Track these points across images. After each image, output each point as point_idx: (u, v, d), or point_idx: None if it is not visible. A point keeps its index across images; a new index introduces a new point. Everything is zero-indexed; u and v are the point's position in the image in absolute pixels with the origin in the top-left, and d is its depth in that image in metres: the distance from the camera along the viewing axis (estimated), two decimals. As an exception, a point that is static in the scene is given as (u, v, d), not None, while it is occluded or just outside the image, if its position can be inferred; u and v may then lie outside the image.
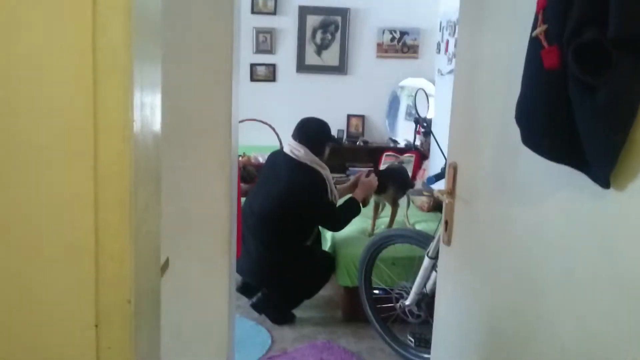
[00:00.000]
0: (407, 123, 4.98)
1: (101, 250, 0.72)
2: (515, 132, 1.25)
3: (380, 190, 3.38)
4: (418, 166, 4.66)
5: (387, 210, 3.58)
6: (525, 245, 1.30)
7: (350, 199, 3.22)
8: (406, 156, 4.73)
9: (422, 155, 4.68)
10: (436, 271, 2.60)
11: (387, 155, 4.86)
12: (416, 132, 2.64)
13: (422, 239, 2.67)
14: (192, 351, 1.95)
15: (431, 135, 3.36)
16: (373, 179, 3.33)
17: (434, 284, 2.66)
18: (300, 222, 3.16)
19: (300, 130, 3.22)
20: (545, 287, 1.21)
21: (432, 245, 2.54)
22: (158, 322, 0.98)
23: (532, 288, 1.26)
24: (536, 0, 1.13)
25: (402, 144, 4.94)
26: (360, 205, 3.20)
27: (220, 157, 1.87)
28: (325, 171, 3.19)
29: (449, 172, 1.68)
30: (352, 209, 3.17)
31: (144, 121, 0.79)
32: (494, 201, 1.47)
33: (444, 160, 2.38)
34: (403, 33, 4.96)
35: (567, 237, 1.14)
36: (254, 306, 3.22)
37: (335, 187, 3.28)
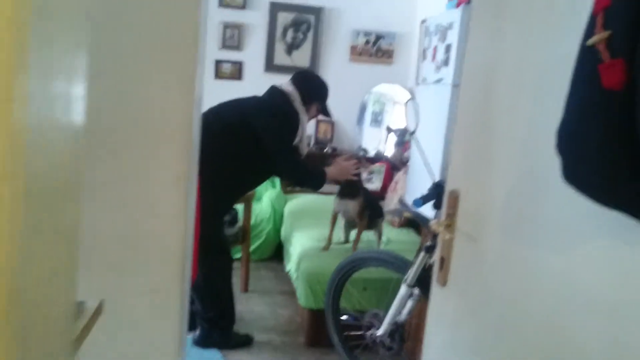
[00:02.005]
0: (373, 130, 4.75)
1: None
2: (543, 159, 1.01)
3: (348, 193, 3.10)
4: (389, 177, 4.43)
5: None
6: (554, 298, 1.06)
7: (320, 168, 2.95)
8: (376, 166, 4.50)
9: (393, 166, 4.46)
10: (413, 299, 2.36)
11: (356, 164, 4.61)
12: (402, 146, 2.39)
13: (400, 264, 2.42)
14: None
15: (415, 149, 3.13)
16: (350, 164, 3.05)
17: (410, 313, 2.42)
18: (252, 150, 2.78)
19: (299, 74, 3.03)
20: (582, 355, 0.97)
21: (411, 272, 2.29)
22: None
23: (563, 352, 1.02)
24: (593, -3, 0.88)
25: (372, 153, 4.70)
26: (325, 180, 2.90)
27: (176, 167, 1.58)
28: (304, 117, 2.89)
29: (449, 200, 1.43)
30: (315, 175, 2.89)
31: (46, 115, 0.53)
32: (509, 239, 1.22)
33: (431, 180, 2.14)
34: (378, 37, 4.72)
35: (616, 297, 0.90)
36: (197, 343, 2.90)
37: None
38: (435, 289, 1.51)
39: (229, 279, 2.95)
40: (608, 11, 0.85)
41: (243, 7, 4.55)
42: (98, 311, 1.10)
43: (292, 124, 2.82)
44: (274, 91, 2.91)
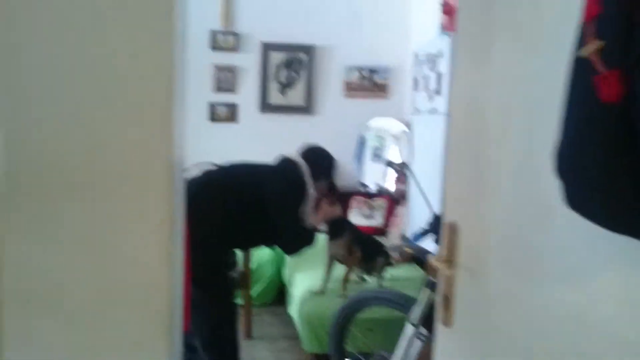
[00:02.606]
0: (374, 165, 4.69)
1: None
2: (542, 185, 0.94)
3: (334, 233, 3.00)
4: (391, 213, 4.34)
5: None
6: (568, 336, 0.96)
7: (309, 228, 2.83)
8: (377, 201, 4.41)
9: (394, 201, 4.37)
10: (421, 340, 2.24)
11: (357, 200, 4.53)
12: (397, 178, 2.31)
13: (403, 303, 2.31)
14: None
15: (411, 182, 3.04)
16: (335, 209, 3.00)
17: (418, 354, 2.29)
18: (258, 219, 2.70)
19: (309, 150, 2.95)
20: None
21: (416, 311, 2.18)
22: None
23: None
24: (583, 5, 0.81)
25: (372, 189, 4.62)
26: (315, 236, 2.81)
27: (157, 213, 1.49)
28: (311, 191, 2.79)
29: (447, 233, 1.34)
30: (310, 237, 2.78)
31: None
32: (513, 273, 1.12)
33: (430, 213, 2.05)
34: (372, 71, 4.70)
35: (637, 332, 0.80)
36: None
37: None
38: (440, 330, 1.40)
39: (237, 327, 2.85)
40: (599, 20, 0.78)
41: (235, 49, 4.55)
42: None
43: (303, 196, 2.77)
44: (286, 161, 2.86)
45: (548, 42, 1.00)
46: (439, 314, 1.39)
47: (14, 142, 1.40)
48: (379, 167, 4.66)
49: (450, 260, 1.32)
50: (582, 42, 0.80)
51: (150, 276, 1.51)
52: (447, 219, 1.35)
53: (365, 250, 3.01)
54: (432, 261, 1.34)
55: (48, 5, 1.39)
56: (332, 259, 3.05)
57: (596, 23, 0.78)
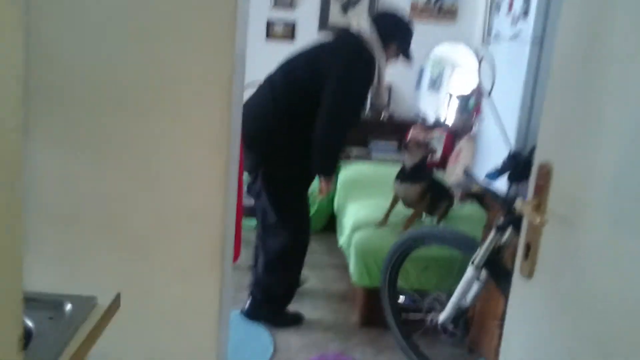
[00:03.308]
0: (430, 94, 4.44)
1: None
2: None
3: (410, 177, 2.82)
4: (450, 146, 4.13)
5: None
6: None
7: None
8: (435, 133, 4.20)
9: (454, 133, 4.15)
10: (480, 282, 2.11)
11: (413, 131, 4.32)
12: (467, 112, 2.11)
13: (464, 244, 2.17)
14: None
15: (484, 115, 2.81)
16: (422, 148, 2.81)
17: (475, 298, 2.17)
18: (315, 94, 2.42)
19: (380, 13, 2.78)
20: None
21: (480, 252, 2.04)
22: None
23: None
24: None
25: (431, 119, 4.39)
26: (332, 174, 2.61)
27: (214, 135, 1.38)
28: (382, 61, 2.53)
29: (539, 175, 1.16)
30: (333, 163, 2.59)
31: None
32: (620, 228, 0.96)
33: (507, 150, 1.87)
34: (440, -7, 4.36)
35: None
36: (247, 314, 2.75)
37: None
38: (517, 280, 1.26)
39: (304, 256, 2.80)
40: None
41: (296, -38, 4.28)
42: (113, 307, 0.92)
43: (368, 76, 2.48)
44: (345, 32, 2.57)
45: None
46: (518, 262, 1.25)
47: (65, 47, 1.29)
48: (436, 97, 4.42)
49: (539, 205, 1.15)
50: None
51: (204, 205, 1.42)
52: (540, 158, 1.17)
53: (433, 196, 2.85)
54: (518, 205, 1.18)
55: None
56: (400, 198, 2.91)
57: None
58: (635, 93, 0.94)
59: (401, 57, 2.65)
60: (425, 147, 2.84)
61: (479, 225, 2.68)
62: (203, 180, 1.41)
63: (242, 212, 1.95)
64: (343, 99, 2.40)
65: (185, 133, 1.38)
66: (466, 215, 3.13)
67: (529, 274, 1.20)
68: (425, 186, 2.80)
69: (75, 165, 1.37)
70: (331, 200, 3.90)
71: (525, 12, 2.21)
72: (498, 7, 2.61)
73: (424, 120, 4.42)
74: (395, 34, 2.59)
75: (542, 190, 1.16)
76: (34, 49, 1.25)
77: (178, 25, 1.32)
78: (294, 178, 2.59)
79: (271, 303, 2.73)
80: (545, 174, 1.15)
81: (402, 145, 2.95)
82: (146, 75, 1.32)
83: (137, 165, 1.37)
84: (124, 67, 1.31)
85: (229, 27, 1.32)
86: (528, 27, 2.19)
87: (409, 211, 2.95)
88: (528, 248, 1.20)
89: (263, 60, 3.99)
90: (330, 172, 2.58)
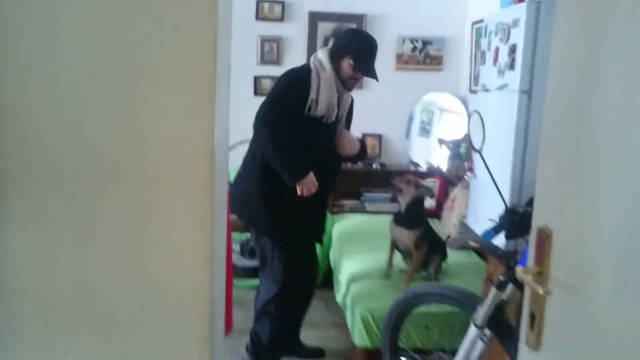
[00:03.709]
0: (421, 140, 4.43)
1: None
2: None
3: (407, 221, 2.76)
4: (443, 194, 4.09)
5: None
6: None
7: (301, 164, 2.46)
8: (429, 181, 4.16)
9: (447, 181, 4.12)
10: (484, 342, 2.03)
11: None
12: (458, 159, 2.07)
13: (465, 301, 2.10)
14: None
15: (477, 165, 2.77)
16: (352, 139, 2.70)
17: (480, 357, 2.08)
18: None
19: (339, 31, 2.93)
20: None
21: (481, 311, 1.96)
22: None
23: None
24: None
25: (423, 167, 4.37)
26: (300, 177, 2.42)
27: (197, 205, 1.32)
28: (324, 74, 2.47)
29: (538, 241, 1.11)
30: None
31: None
32: (629, 298, 0.90)
33: (500, 205, 1.82)
34: (426, 42, 4.41)
35: None
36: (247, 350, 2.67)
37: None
38: (524, 352, 1.19)
39: (293, 309, 2.73)
40: None
41: (281, 19, 4.33)
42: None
43: (295, 82, 2.50)
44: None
45: None
46: (523, 333, 1.18)
47: (42, 124, 1.25)
48: (427, 143, 4.41)
49: (541, 273, 1.09)
50: None
51: (190, 276, 1.35)
52: (538, 222, 1.12)
53: (429, 246, 2.79)
54: (520, 272, 1.12)
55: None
56: (396, 245, 2.85)
57: None
58: (630, 153, 0.89)
59: (359, 73, 2.61)
60: (416, 186, 2.79)
61: (479, 276, 2.61)
62: (188, 253, 1.36)
63: (232, 278, 1.87)
64: (265, 104, 2.51)
65: (167, 204, 1.33)
66: (465, 266, 3.05)
67: (536, 345, 1.13)
68: (421, 233, 2.74)
69: (54, 247, 1.31)
70: (327, 255, 3.83)
71: (511, 65, 2.21)
72: (483, 59, 2.62)
73: (416, 167, 4.40)
74: (347, 48, 2.54)
75: (542, 256, 1.10)
76: (6, 132, 1.21)
77: (157, 93, 1.29)
78: (277, 229, 2.51)
79: (258, 353, 2.63)
80: (545, 239, 1.10)
81: (390, 187, 2.88)
82: (126, 148, 1.28)
83: (118, 241, 1.31)
84: (102, 143, 1.27)
85: (209, 89, 1.29)
86: (515, 78, 2.18)
87: (405, 264, 2.89)
88: (533, 318, 1.13)
89: (252, 116, 4.00)
90: (291, 175, 2.45)
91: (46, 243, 1.29)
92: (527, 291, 1.15)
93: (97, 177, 1.28)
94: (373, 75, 2.62)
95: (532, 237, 1.14)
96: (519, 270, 1.12)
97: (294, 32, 4.38)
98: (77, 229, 1.30)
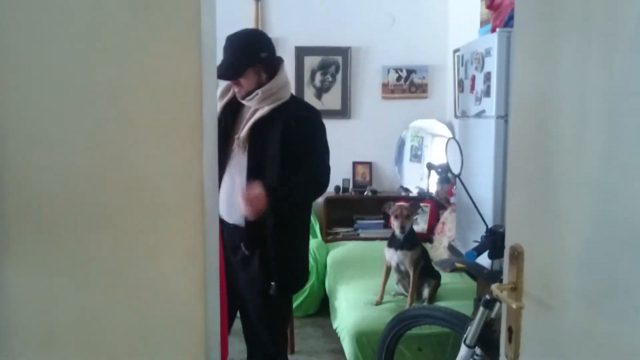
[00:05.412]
0: (412, 166, 4.53)
1: None
2: (630, 202, 0.77)
3: (406, 244, 2.84)
4: (434, 217, 4.16)
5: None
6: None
7: None
8: (421, 206, 4.24)
9: (438, 204, 4.19)
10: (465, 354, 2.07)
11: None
12: (447, 184, 2.15)
13: (455, 321, 2.15)
14: None
15: (460, 189, 2.86)
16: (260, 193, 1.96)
17: (473, 376, 2.12)
18: None
19: None
20: None
21: (470, 330, 2.01)
22: None
23: None
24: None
25: (414, 192, 4.45)
26: None
27: (188, 238, 1.38)
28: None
29: (511, 258, 1.18)
30: None
31: None
32: (593, 309, 0.97)
33: (484, 226, 1.89)
34: (410, 71, 4.54)
35: None
36: None
37: None
38: (504, 365, 1.25)
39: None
40: None
41: (269, 55, 4.45)
42: None
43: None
44: None
45: (630, 36, 0.84)
46: (502, 346, 1.24)
47: (35, 168, 1.32)
48: (419, 168, 4.50)
49: (515, 288, 1.16)
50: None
51: (184, 313, 1.40)
52: (511, 241, 1.20)
53: (424, 269, 2.86)
54: (494, 289, 1.19)
55: (69, 21, 1.30)
56: (393, 268, 2.92)
57: None
58: (584, 178, 0.97)
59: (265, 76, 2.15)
60: (409, 208, 2.88)
61: (470, 296, 2.66)
62: (181, 288, 1.41)
63: (227, 309, 1.93)
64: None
65: (159, 242, 1.38)
66: (458, 288, 3.11)
67: (514, 358, 1.19)
68: (420, 252, 2.83)
69: (50, 286, 1.36)
70: (322, 282, 3.88)
71: (487, 92, 2.31)
72: (462, 86, 2.72)
73: (407, 192, 4.48)
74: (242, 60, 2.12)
75: (515, 272, 1.17)
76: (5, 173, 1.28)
77: (145, 138, 1.35)
78: None
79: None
80: (517, 256, 1.17)
81: (385, 211, 2.95)
82: (117, 191, 1.34)
83: (113, 280, 1.37)
84: (95, 187, 1.33)
85: (196, 132, 1.36)
86: (491, 105, 2.29)
87: (398, 288, 2.94)
88: (510, 331, 1.20)
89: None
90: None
91: (44, 285, 1.34)
92: (504, 306, 1.22)
93: (90, 220, 1.34)
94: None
95: (506, 255, 1.21)
96: (494, 287, 1.19)
97: (282, 67, 4.49)
98: (73, 270, 1.35)
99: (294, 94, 2.29)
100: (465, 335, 2.04)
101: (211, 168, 1.43)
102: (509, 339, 1.20)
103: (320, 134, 2.17)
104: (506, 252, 1.21)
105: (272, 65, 2.19)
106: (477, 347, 2.04)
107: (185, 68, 1.35)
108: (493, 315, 2.00)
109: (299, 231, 2.22)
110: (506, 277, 1.20)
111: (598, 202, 0.95)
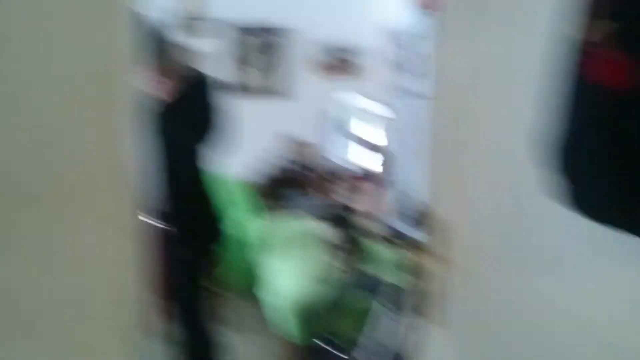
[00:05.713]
0: (341, 141, 4.58)
1: None
2: (529, 176, 0.85)
3: (342, 221, 2.92)
4: (372, 194, 4.24)
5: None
6: (561, 337, 0.90)
7: None
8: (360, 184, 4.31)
9: (376, 182, 4.27)
10: (395, 323, 2.16)
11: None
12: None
13: (379, 287, 2.25)
14: None
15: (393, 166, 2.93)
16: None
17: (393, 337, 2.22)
18: None
19: None
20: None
21: (389, 294, 2.10)
22: None
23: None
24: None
25: (356, 170, 4.49)
26: None
27: (110, 209, 1.37)
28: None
29: (434, 227, 1.25)
30: None
31: None
32: (506, 269, 1.06)
33: (415, 201, 1.97)
34: (345, 51, 4.58)
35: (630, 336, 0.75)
36: None
37: None
38: (432, 330, 1.32)
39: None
40: (616, 2, 0.70)
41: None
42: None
43: None
44: None
45: (538, 22, 0.91)
46: (430, 313, 1.32)
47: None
48: (347, 143, 4.55)
49: (439, 257, 1.24)
50: (588, 23, 0.72)
51: (112, 282, 1.40)
52: (432, 210, 1.27)
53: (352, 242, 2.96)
54: (422, 258, 1.26)
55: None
56: (333, 245, 2.99)
57: (612, 5, 0.70)
58: (495, 158, 1.04)
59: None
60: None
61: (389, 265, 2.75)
62: (109, 260, 1.40)
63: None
64: None
65: (83, 214, 1.36)
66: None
67: (442, 323, 1.26)
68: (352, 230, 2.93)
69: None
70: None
71: (423, 73, 2.37)
72: (401, 68, 2.77)
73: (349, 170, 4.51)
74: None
75: (439, 242, 1.24)
76: None
77: (71, 112, 1.32)
78: None
79: None
80: (440, 225, 1.23)
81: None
82: (40, 166, 1.32)
83: (41, 253, 1.35)
84: (19, 164, 1.30)
85: (121, 113, 1.34)
86: (428, 86, 2.34)
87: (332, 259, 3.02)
88: (436, 298, 1.27)
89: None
90: None
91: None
92: (428, 273, 1.29)
93: (17, 195, 1.31)
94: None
95: (431, 226, 1.28)
96: (422, 256, 1.26)
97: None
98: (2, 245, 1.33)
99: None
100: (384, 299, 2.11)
101: (134, 146, 1.42)
102: (435, 306, 1.28)
103: None
104: (429, 221, 1.28)
105: None
106: (396, 310, 2.12)
107: (107, 47, 1.32)
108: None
109: None
110: (433, 247, 1.27)
111: (504, 178, 1.03)
